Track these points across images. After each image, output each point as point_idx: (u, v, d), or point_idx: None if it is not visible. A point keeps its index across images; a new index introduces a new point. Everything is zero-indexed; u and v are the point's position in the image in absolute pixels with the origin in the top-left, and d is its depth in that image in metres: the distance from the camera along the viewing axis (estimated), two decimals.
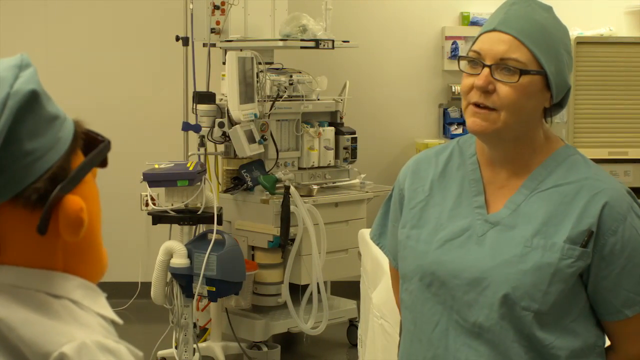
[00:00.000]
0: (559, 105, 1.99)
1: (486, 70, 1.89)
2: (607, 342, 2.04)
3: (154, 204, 4.68)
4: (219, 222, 4.62)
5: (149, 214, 4.70)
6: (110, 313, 1.22)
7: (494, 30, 1.92)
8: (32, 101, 1.16)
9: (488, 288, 1.92)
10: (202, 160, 5.19)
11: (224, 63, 5.22)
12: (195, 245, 4.64)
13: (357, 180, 5.70)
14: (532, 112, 1.93)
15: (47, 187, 1.15)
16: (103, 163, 1.25)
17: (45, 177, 1.15)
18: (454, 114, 6.63)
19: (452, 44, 6.64)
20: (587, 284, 1.94)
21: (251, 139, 5.08)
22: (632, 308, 1.94)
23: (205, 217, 4.65)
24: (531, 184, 1.97)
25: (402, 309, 2.12)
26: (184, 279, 4.61)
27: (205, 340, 5.26)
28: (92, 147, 1.23)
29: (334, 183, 5.65)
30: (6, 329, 1.13)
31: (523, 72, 1.88)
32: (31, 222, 1.16)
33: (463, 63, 1.96)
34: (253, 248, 5.28)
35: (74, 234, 1.18)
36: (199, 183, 4.58)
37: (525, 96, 1.89)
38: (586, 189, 1.93)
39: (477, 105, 1.91)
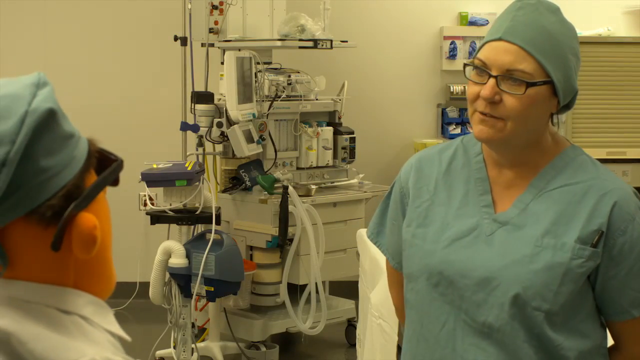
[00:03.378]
0: (566, 106, 1.98)
1: (492, 81, 1.87)
2: (609, 343, 2.04)
3: (152, 204, 4.68)
4: (218, 222, 4.62)
5: (147, 213, 4.70)
6: (119, 330, 1.23)
7: (500, 39, 1.89)
8: (50, 119, 1.17)
9: (498, 288, 1.91)
10: (200, 160, 5.19)
11: (222, 63, 5.22)
12: (194, 245, 4.64)
13: (355, 180, 5.70)
14: (539, 119, 1.92)
15: (62, 204, 1.16)
16: (115, 181, 1.26)
17: (59, 195, 1.16)
18: (452, 113, 6.63)
19: (450, 44, 6.64)
20: (595, 285, 1.94)
21: (249, 139, 5.08)
22: (639, 308, 1.94)
23: (204, 217, 4.65)
24: (539, 184, 1.97)
25: (407, 309, 2.10)
26: (182, 279, 4.61)
27: (203, 340, 5.26)
28: (104, 165, 1.25)
29: (332, 183, 5.65)
30: (17, 343, 1.13)
31: (530, 85, 1.86)
32: (44, 238, 1.17)
33: (468, 70, 1.94)
34: (251, 248, 5.28)
35: (87, 252, 1.19)
36: (197, 183, 4.57)
37: (532, 106, 1.88)
38: (595, 189, 1.93)
39: (483, 114, 1.90)
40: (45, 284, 1.19)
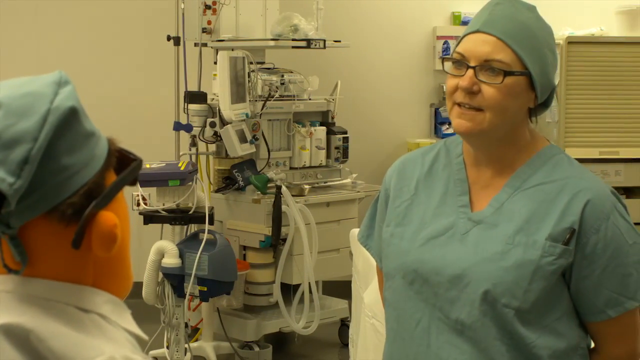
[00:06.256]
0: (544, 105, 2.00)
1: (470, 72, 1.90)
2: (592, 345, 2.03)
3: (145, 204, 4.67)
4: (211, 222, 4.62)
5: (140, 213, 4.69)
6: (136, 329, 1.24)
7: (477, 31, 1.93)
8: (71, 118, 1.18)
9: (469, 285, 1.92)
10: (193, 160, 5.19)
11: (215, 63, 5.21)
12: (187, 245, 4.64)
13: (348, 180, 5.70)
14: (516, 112, 1.94)
15: (83, 202, 1.17)
16: (133, 181, 1.27)
17: (80, 193, 1.17)
18: (445, 113, 6.63)
19: (443, 44, 6.64)
20: (570, 284, 1.94)
21: (243, 139, 5.08)
22: (615, 308, 1.93)
23: (197, 217, 4.65)
24: (515, 183, 1.98)
25: (385, 307, 2.12)
26: (175, 279, 4.60)
27: (196, 340, 5.25)
28: (122, 164, 1.26)
29: (325, 183, 5.65)
30: (36, 340, 1.14)
31: (507, 74, 1.88)
32: (64, 236, 1.17)
33: (447, 64, 1.97)
34: (244, 248, 5.27)
35: (107, 250, 1.20)
36: (190, 183, 4.57)
37: (510, 97, 1.90)
38: (569, 187, 1.93)
39: (462, 105, 1.92)
40: (64, 282, 1.20)
